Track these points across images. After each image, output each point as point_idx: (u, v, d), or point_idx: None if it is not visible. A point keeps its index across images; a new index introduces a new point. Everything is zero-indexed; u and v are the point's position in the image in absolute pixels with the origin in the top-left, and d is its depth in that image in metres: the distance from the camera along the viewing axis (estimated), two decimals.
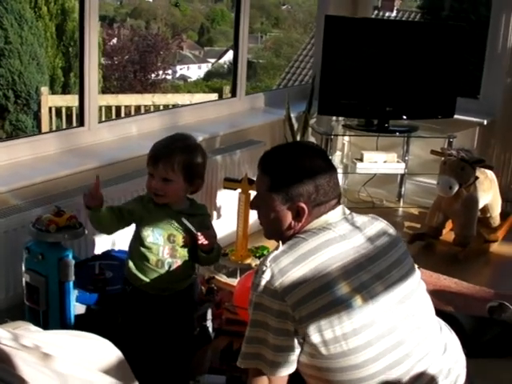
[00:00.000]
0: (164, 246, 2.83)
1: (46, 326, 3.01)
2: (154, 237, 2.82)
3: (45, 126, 8.22)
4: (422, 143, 5.27)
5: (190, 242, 2.85)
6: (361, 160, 5.26)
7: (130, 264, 2.87)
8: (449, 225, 4.89)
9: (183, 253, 2.86)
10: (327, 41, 4.93)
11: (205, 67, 24.23)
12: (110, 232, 3.01)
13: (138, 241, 2.84)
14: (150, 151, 2.83)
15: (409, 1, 15.09)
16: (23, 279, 3.12)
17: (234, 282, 3.90)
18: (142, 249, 2.83)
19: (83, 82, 3.90)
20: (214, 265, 4.14)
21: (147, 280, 2.85)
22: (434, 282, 4.14)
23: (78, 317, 3.12)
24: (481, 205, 4.79)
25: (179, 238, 2.83)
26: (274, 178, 2.29)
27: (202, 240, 2.79)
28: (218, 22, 26.91)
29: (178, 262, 2.86)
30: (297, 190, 2.24)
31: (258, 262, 4.05)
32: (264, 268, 2.15)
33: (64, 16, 11.65)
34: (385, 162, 5.27)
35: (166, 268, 2.83)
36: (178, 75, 21.76)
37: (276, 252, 2.20)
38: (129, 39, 17.47)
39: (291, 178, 2.26)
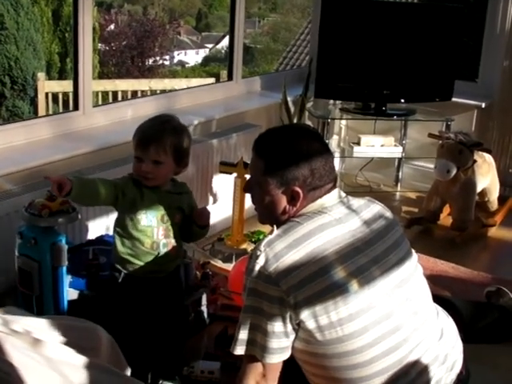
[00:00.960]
0: (158, 228, 2.80)
1: (39, 312, 3.01)
2: (148, 219, 2.78)
3: (41, 112, 8.17)
4: (420, 127, 5.23)
5: (181, 220, 2.84)
6: (358, 144, 5.23)
7: (122, 249, 2.82)
8: (446, 209, 4.86)
9: (176, 232, 2.85)
10: (324, 23, 4.90)
11: (202, 52, 24.17)
12: (96, 203, 2.96)
13: (130, 225, 2.79)
14: (138, 135, 2.79)
15: None
16: (16, 264, 3.08)
17: (229, 267, 3.88)
18: (136, 233, 2.79)
19: (77, 67, 3.88)
20: (208, 249, 4.14)
21: (142, 264, 2.81)
22: (432, 267, 4.11)
23: (71, 302, 3.09)
24: (479, 189, 4.77)
25: (172, 217, 2.82)
26: (268, 162, 2.25)
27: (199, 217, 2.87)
28: (216, 8, 26.82)
29: (172, 242, 2.84)
30: (292, 174, 2.20)
31: (253, 246, 4.03)
32: (258, 253, 2.11)
33: (60, 1, 11.59)
34: (382, 145, 5.24)
35: (162, 249, 2.81)
36: (175, 61, 21.70)
37: (270, 236, 2.16)
38: (126, 25, 17.39)
39: (286, 162, 2.21)
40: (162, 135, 2.74)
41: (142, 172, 2.75)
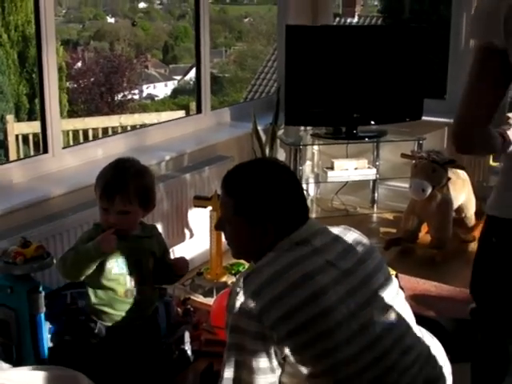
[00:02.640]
0: (130, 275, 2.75)
1: (19, 361, 2.95)
2: (119, 267, 2.74)
3: (12, 154, 8.10)
4: (392, 147, 5.23)
5: (153, 265, 2.80)
6: (331, 168, 5.23)
7: (95, 300, 2.78)
8: (424, 228, 4.86)
9: (149, 277, 2.80)
10: (290, 51, 4.90)
11: (171, 84, 24.17)
12: (83, 276, 2.80)
13: (100, 274, 2.73)
14: (101, 185, 2.71)
15: (369, 6, 15.14)
16: None
17: (210, 301, 3.84)
18: (108, 282, 2.74)
19: (44, 109, 3.84)
20: (188, 284, 4.10)
21: (117, 313, 2.77)
22: (414, 287, 4.10)
23: (51, 349, 3.03)
24: (455, 205, 4.78)
25: (144, 262, 2.78)
26: (237, 200, 2.23)
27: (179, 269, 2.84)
28: (182, 39, 26.87)
29: (146, 287, 2.79)
30: (262, 210, 2.18)
31: (233, 279, 4.00)
32: (238, 289, 2.08)
33: (25, 43, 11.55)
34: (356, 168, 5.24)
35: (136, 296, 2.76)
36: (144, 94, 21.67)
37: (249, 272, 2.14)
38: (93, 61, 17.37)
39: (255, 198, 2.19)
40: (125, 185, 2.66)
41: (110, 224, 2.69)
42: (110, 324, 2.78)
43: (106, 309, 2.76)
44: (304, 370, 2.06)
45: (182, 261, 2.86)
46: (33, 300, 2.94)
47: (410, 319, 2.33)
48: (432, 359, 2.30)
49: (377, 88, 5.08)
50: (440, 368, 2.33)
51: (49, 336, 3.03)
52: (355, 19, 13.81)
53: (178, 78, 24.49)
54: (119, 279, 2.73)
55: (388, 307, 2.22)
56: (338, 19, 11.51)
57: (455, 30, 5.24)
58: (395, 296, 2.30)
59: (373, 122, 5.17)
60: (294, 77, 4.95)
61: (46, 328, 3.01)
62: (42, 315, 2.98)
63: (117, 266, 2.73)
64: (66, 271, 2.75)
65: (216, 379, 2.18)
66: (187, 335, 3.36)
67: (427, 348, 2.33)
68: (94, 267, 2.69)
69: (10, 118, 8.90)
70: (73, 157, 3.99)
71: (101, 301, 2.76)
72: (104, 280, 2.73)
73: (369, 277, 2.23)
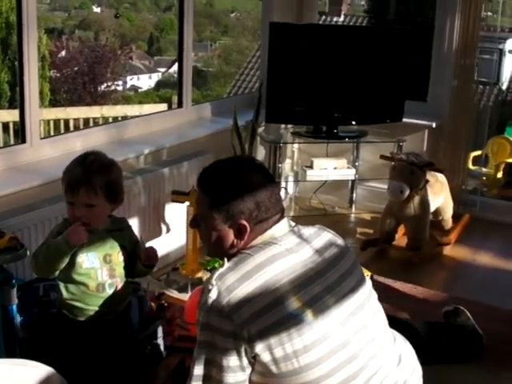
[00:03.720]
0: (102, 269, 2.74)
1: None
2: (90, 261, 2.72)
3: None
4: (372, 148, 5.24)
5: (126, 258, 2.79)
6: (311, 167, 5.23)
7: (66, 295, 2.75)
8: (401, 229, 4.87)
9: (121, 270, 2.78)
10: (273, 48, 4.89)
11: (155, 77, 24.10)
12: (56, 271, 2.76)
13: (71, 269, 2.71)
14: (66, 179, 2.70)
15: (356, 5, 15.14)
16: None
17: (185, 297, 3.82)
18: (79, 277, 2.72)
19: (23, 98, 3.79)
20: (163, 279, 4.08)
21: (88, 307, 2.75)
22: (388, 288, 4.10)
23: (22, 340, 3.01)
24: (432, 208, 4.79)
25: (115, 256, 2.76)
26: (213, 197, 2.22)
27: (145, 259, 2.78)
28: (167, 32, 26.77)
29: (118, 281, 2.78)
30: (237, 208, 2.18)
31: (209, 275, 3.98)
32: (210, 287, 2.08)
33: (8, 29, 11.48)
34: (335, 168, 5.24)
35: (108, 290, 2.75)
36: (128, 86, 21.60)
37: (221, 269, 2.13)
38: (77, 51, 17.28)
39: (230, 196, 2.19)
40: (89, 177, 2.64)
41: (75, 217, 2.67)
42: (82, 319, 2.76)
43: (77, 304, 2.74)
44: (274, 369, 2.05)
45: (150, 250, 2.83)
46: (5, 291, 2.91)
47: (383, 321, 2.34)
48: (403, 362, 2.31)
49: (359, 88, 5.08)
50: (411, 371, 2.33)
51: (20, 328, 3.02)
52: (341, 18, 13.81)
53: (163, 70, 24.43)
54: (90, 273, 2.72)
55: (360, 309, 2.22)
56: (323, 17, 11.49)
57: (439, 33, 5.26)
58: (368, 297, 2.31)
59: (353, 122, 5.18)
60: (277, 74, 4.94)
61: (18, 320, 3.00)
62: (14, 307, 2.95)
63: (87, 260, 2.71)
64: (38, 267, 2.73)
65: (187, 375, 2.18)
66: (160, 330, 3.35)
67: (398, 351, 2.33)
68: (66, 261, 2.67)
69: None
70: (51, 147, 3.95)
71: (72, 296, 2.74)
72: (75, 274, 2.71)
73: (342, 277, 2.23)
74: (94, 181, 2.64)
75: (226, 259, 2.26)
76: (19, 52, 3.77)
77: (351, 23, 13.64)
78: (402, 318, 3.61)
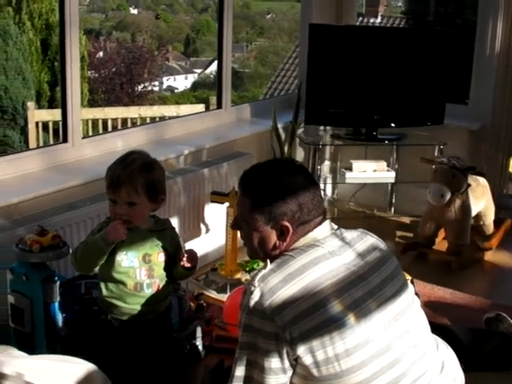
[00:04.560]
0: (140, 268, 2.74)
1: (31, 348, 2.94)
2: (129, 260, 2.72)
3: (32, 141, 8.14)
4: (412, 151, 5.19)
5: (167, 259, 2.79)
6: (350, 169, 5.20)
7: (106, 293, 2.77)
8: (441, 233, 4.83)
9: (160, 271, 2.78)
10: (312, 49, 4.88)
11: (191, 77, 24.21)
12: (94, 268, 2.80)
13: (110, 267, 2.72)
14: (108, 177, 2.71)
15: (393, 7, 15.07)
16: (8, 300, 3.03)
17: (223, 297, 3.82)
18: (118, 275, 2.73)
19: (65, 98, 3.84)
20: (202, 279, 4.09)
21: (127, 306, 2.76)
22: (429, 293, 4.07)
23: (64, 338, 3.04)
24: (474, 212, 4.74)
25: (155, 256, 2.76)
26: (255, 199, 2.22)
27: (185, 261, 2.76)
28: (204, 33, 26.90)
29: (157, 282, 2.78)
30: (280, 210, 2.17)
31: (247, 276, 4.00)
32: (252, 288, 2.07)
33: (48, 30, 11.59)
34: (374, 170, 5.21)
35: (146, 290, 2.75)
36: (164, 86, 21.74)
37: (264, 271, 2.12)
38: (115, 52, 17.41)
39: (273, 197, 2.19)
40: (131, 175, 2.65)
41: (117, 215, 2.68)
42: (121, 317, 2.77)
43: (116, 302, 2.75)
44: (315, 372, 2.04)
45: (190, 253, 2.81)
46: (47, 288, 2.96)
47: (425, 327, 2.32)
48: (445, 369, 2.29)
49: (399, 90, 5.05)
50: (453, 378, 2.31)
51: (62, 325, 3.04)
52: (378, 19, 13.76)
53: (199, 71, 24.54)
54: (129, 272, 2.72)
55: (402, 315, 2.20)
56: (360, 19, 11.46)
57: (481, 35, 5.19)
58: (411, 303, 2.29)
59: (393, 125, 5.14)
60: (316, 76, 4.93)
61: (60, 317, 3.02)
62: (56, 304, 2.99)
63: (126, 259, 2.72)
64: (77, 264, 2.76)
65: (226, 376, 2.18)
66: (199, 330, 3.36)
67: (441, 357, 2.31)
68: (104, 259, 2.69)
69: (31, 104, 8.94)
70: (92, 147, 3.98)
71: (111, 294, 2.76)
72: (114, 273, 2.72)
73: (385, 282, 2.22)
74: (135, 179, 2.65)
75: (268, 261, 2.25)
76: (61, 52, 3.81)
77: (388, 25, 13.58)
78: (444, 324, 3.58)
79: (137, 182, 2.66)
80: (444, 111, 5.02)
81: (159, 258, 2.77)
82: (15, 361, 2.12)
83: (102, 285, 2.78)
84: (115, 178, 2.68)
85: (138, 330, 2.78)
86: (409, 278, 3.81)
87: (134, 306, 2.76)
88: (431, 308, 3.79)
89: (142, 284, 2.75)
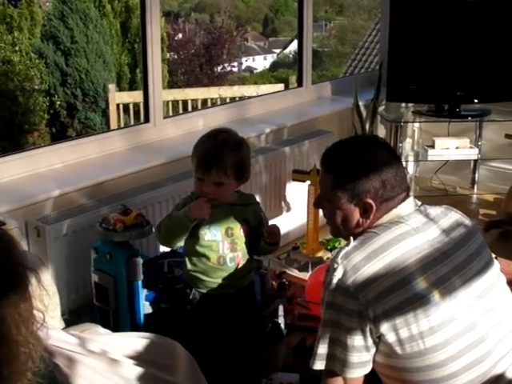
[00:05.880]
0: (223, 242, 2.75)
1: (115, 326, 3.02)
2: (212, 234, 2.74)
3: (113, 123, 8.28)
4: (496, 127, 5.09)
5: (249, 233, 2.80)
6: (432, 147, 5.12)
7: (190, 267, 2.80)
8: None
9: (242, 245, 2.79)
10: (394, 25, 4.81)
11: (270, 58, 24.22)
12: (178, 243, 2.85)
13: (194, 241, 2.75)
14: (199, 156, 2.70)
15: None
16: (92, 279, 3.10)
17: (305, 276, 3.82)
18: (201, 248, 2.75)
19: (147, 79, 3.89)
20: (284, 258, 4.09)
21: (211, 280, 2.78)
22: None
23: (147, 316, 3.08)
24: None
25: (237, 230, 2.77)
26: (337, 176, 2.19)
27: (270, 235, 2.77)
28: (282, 13, 26.86)
29: (240, 256, 2.79)
30: (363, 187, 2.14)
31: (329, 254, 3.98)
32: (335, 265, 2.06)
33: (128, 13, 11.75)
34: (457, 147, 5.12)
35: (229, 263, 2.77)
36: (243, 67, 21.82)
37: (347, 248, 2.10)
38: (194, 33, 17.52)
39: (356, 174, 2.15)
40: (222, 157, 2.65)
41: (203, 193, 2.69)
42: (204, 291, 2.80)
43: (200, 276, 2.78)
44: (399, 350, 2.02)
45: (273, 227, 2.82)
46: (131, 267, 3.00)
47: (510, 305, 2.27)
48: None
49: (482, 65, 4.93)
50: None
51: (145, 303, 3.08)
52: None
53: (278, 51, 24.53)
54: (212, 246, 2.74)
55: (488, 291, 2.16)
56: None
57: None
58: (496, 280, 2.24)
59: (476, 101, 5.04)
60: (397, 52, 4.86)
61: (143, 295, 3.07)
62: (140, 282, 3.03)
63: (209, 233, 2.73)
64: (160, 237, 2.82)
65: (308, 354, 2.17)
66: (281, 309, 3.37)
67: None
68: (187, 234, 2.72)
69: (112, 87, 9.10)
70: (173, 127, 4.02)
71: (196, 268, 2.78)
72: (198, 246, 2.75)
73: (470, 258, 2.17)
74: (225, 160, 2.65)
75: (351, 238, 2.23)
76: (142, 34, 3.86)
77: None
78: None
79: (227, 163, 2.65)
80: None
81: (241, 231, 2.78)
82: (100, 337, 2.14)
83: (187, 259, 2.81)
84: (205, 157, 2.67)
85: (220, 303, 2.80)
86: (493, 255, 3.74)
87: (217, 279, 2.79)
88: None
89: (225, 258, 2.77)
